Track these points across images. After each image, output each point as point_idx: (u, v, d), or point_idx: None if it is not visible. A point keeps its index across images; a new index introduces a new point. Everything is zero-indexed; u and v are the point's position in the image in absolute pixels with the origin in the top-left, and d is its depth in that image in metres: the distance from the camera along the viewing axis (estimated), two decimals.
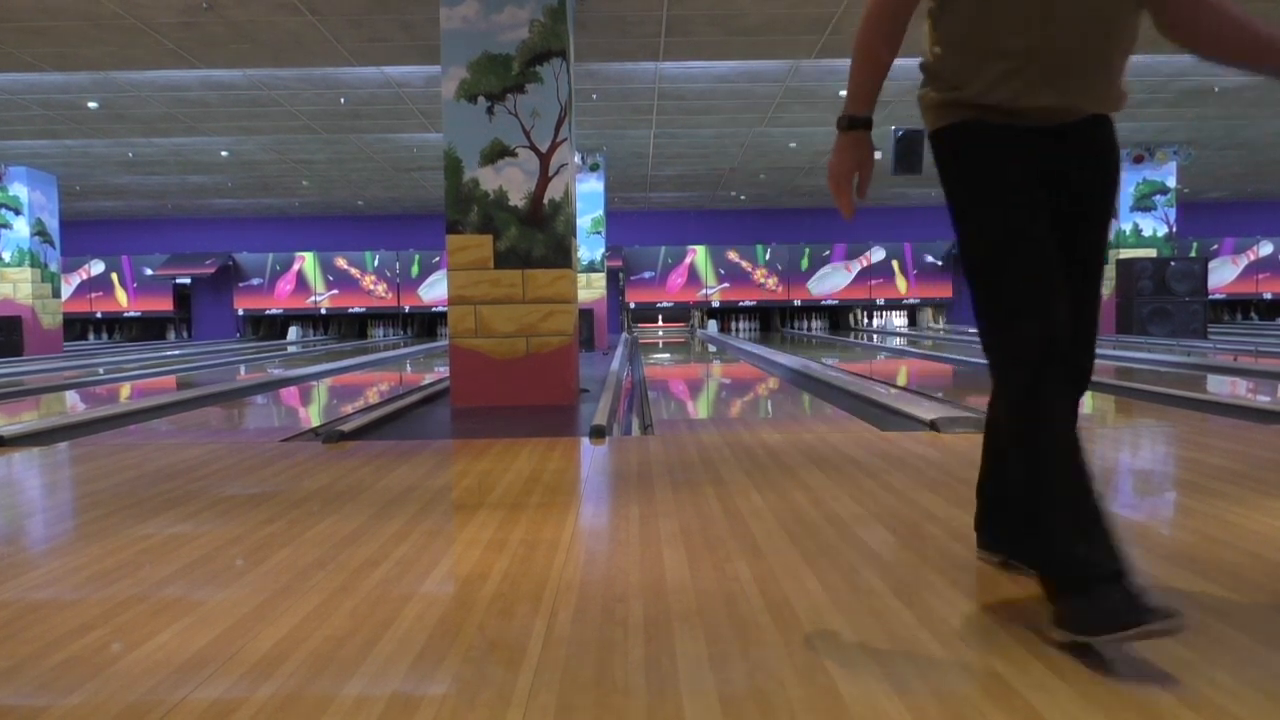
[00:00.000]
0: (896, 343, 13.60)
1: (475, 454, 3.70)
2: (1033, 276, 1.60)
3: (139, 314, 19.16)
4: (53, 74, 8.32)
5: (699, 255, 19.09)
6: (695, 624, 1.66)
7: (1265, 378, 6.66)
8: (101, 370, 9.85)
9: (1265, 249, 19.22)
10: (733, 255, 19.08)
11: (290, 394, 7.10)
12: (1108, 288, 13.97)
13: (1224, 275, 18.99)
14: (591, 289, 12.88)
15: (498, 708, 1.33)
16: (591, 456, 3.68)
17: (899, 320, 19.85)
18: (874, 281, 19.18)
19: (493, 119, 5.70)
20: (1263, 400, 5.36)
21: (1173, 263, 13.24)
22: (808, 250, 19.13)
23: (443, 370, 8.58)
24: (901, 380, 7.35)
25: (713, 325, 19.53)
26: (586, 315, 12.43)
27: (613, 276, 18.53)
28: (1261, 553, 2.06)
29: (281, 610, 1.77)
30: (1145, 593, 1.42)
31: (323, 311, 19.22)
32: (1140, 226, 13.55)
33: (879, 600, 1.77)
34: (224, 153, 12.32)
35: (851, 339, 15.94)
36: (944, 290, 19.24)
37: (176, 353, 13.46)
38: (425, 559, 2.15)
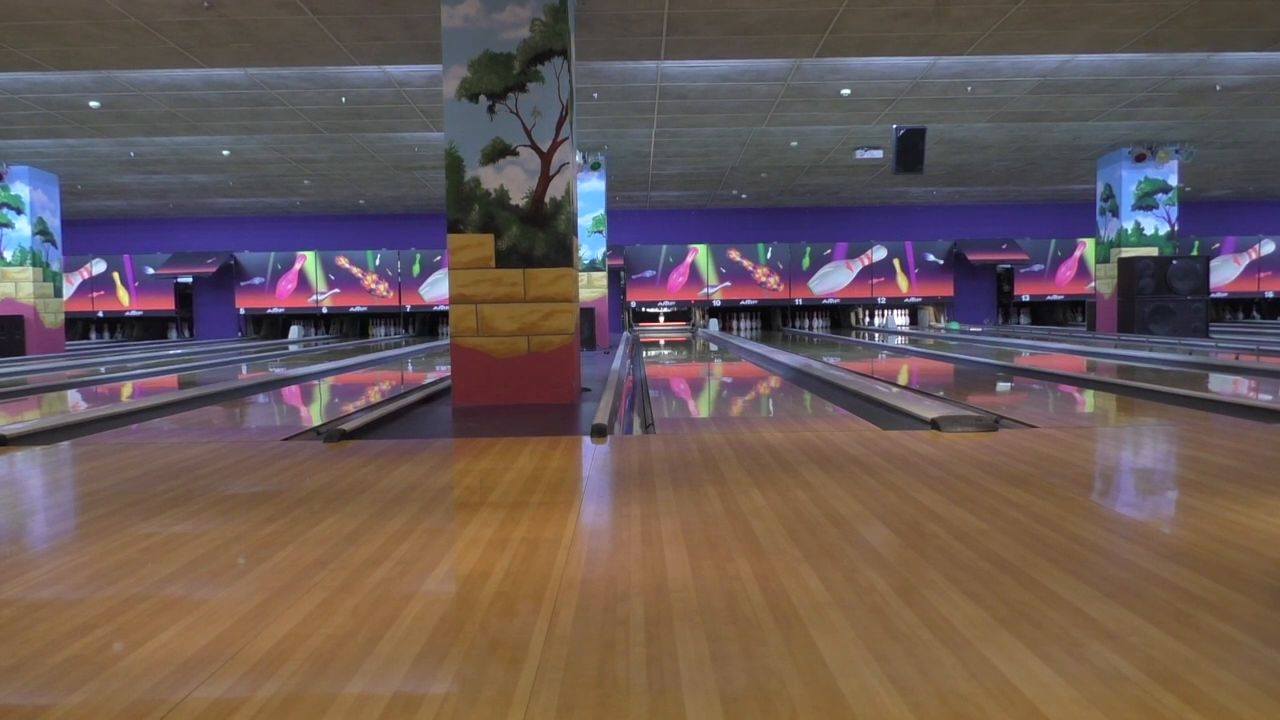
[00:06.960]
0: (898, 341, 13.59)
1: (476, 453, 3.70)
2: None
3: (141, 313, 19.18)
4: (54, 73, 8.33)
5: (700, 254, 19.08)
6: (697, 622, 1.66)
7: (1266, 376, 6.65)
8: (103, 369, 9.85)
9: (1267, 248, 19.21)
10: (734, 254, 19.08)
11: (292, 393, 7.10)
12: (1109, 286, 13.97)
13: (1225, 274, 19.00)
14: (593, 288, 12.88)
15: (499, 706, 1.33)
16: (593, 455, 3.68)
17: (900, 319, 19.86)
18: (875, 280, 19.17)
19: (494, 118, 5.70)
20: (1264, 399, 5.36)
21: (1174, 261, 13.23)
22: (809, 249, 19.13)
23: (444, 369, 8.58)
24: (903, 379, 7.34)
25: (714, 324, 19.53)
26: (588, 314, 12.44)
27: (614, 275, 18.54)
28: (1263, 551, 2.06)
29: (283, 609, 1.77)
30: None
31: (324, 310, 19.23)
32: (1142, 225, 13.55)
33: (880, 599, 1.77)
34: (225, 152, 12.33)
35: (853, 338, 15.93)
36: (945, 289, 19.25)
37: (178, 352, 13.47)
38: (427, 558, 2.15)
